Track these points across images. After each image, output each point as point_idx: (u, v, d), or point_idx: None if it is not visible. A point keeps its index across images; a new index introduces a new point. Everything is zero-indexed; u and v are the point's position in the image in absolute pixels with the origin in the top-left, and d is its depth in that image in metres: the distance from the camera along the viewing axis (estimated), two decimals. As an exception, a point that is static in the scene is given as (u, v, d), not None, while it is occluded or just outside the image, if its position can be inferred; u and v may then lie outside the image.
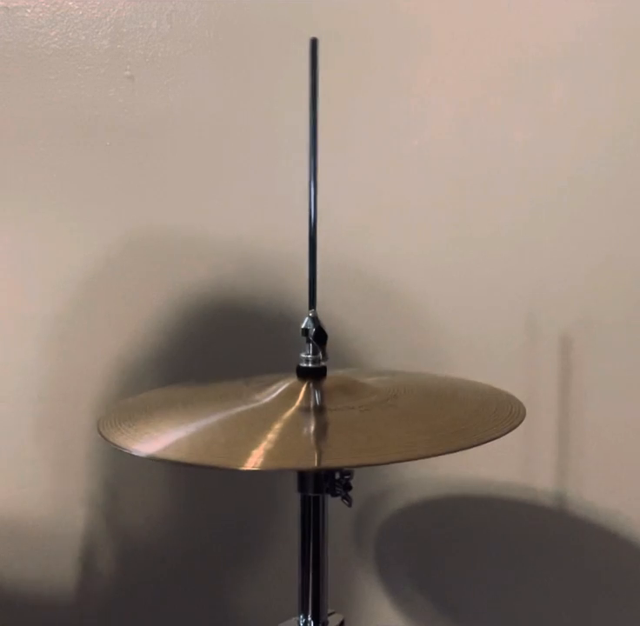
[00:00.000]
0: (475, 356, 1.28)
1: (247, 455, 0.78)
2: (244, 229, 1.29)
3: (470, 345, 1.29)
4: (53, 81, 1.27)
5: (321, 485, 0.93)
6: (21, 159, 1.29)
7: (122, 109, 1.28)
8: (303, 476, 0.93)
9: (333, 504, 0.95)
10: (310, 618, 0.97)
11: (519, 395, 0.96)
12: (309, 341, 0.91)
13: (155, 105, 1.29)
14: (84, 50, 1.27)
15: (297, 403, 0.89)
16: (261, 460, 0.77)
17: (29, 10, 1.26)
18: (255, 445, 0.79)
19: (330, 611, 0.99)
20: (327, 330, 0.92)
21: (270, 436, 0.81)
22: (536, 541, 1.35)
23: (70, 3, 1.26)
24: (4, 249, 1.29)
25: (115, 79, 1.28)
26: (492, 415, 0.89)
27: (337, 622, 0.99)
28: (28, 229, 1.29)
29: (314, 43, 0.87)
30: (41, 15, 1.26)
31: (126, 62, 1.27)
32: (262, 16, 1.27)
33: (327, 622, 0.98)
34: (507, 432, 0.85)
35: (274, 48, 1.27)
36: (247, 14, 1.27)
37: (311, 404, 0.90)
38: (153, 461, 0.81)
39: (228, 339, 1.33)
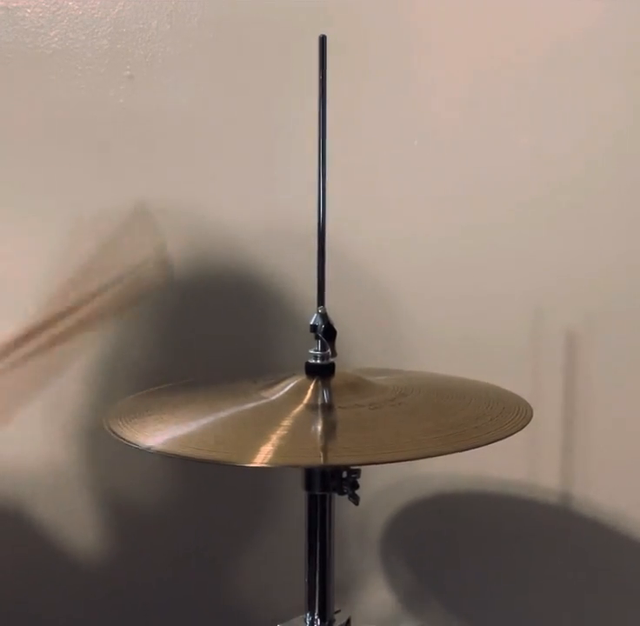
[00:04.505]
0: (480, 355, 1.28)
1: (256, 451, 0.78)
2: (249, 226, 1.29)
3: (475, 344, 1.29)
4: (53, 81, 1.27)
5: (328, 484, 0.93)
6: (21, 159, 1.28)
7: (122, 109, 1.28)
8: (309, 474, 0.93)
9: (339, 502, 0.95)
10: (316, 616, 0.97)
11: (525, 393, 0.96)
12: (317, 337, 0.92)
13: (155, 105, 1.29)
14: (84, 50, 1.27)
15: (306, 401, 0.89)
16: (269, 456, 0.77)
17: (29, 10, 1.26)
18: (263, 441, 0.79)
19: (336, 609, 0.99)
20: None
21: (279, 432, 0.82)
22: (541, 539, 1.35)
23: (70, 3, 1.26)
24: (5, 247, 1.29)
25: (115, 79, 1.27)
26: (500, 414, 0.89)
27: (344, 621, 0.99)
28: (27, 229, 1.28)
29: (322, 41, 0.88)
30: (41, 15, 1.26)
31: (126, 62, 1.27)
32: (262, 16, 1.27)
33: (333, 621, 0.98)
34: (515, 432, 0.85)
35: (274, 47, 1.27)
36: (247, 14, 1.27)
37: (320, 402, 0.90)
38: (161, 456, 0.81)
39: (233, 337, 1.33)
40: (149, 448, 0.82)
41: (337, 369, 0.94)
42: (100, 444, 1.31)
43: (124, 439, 0.84)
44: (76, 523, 1.36)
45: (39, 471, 1.34)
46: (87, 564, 1.37)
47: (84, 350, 1.31)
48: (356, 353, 1.25)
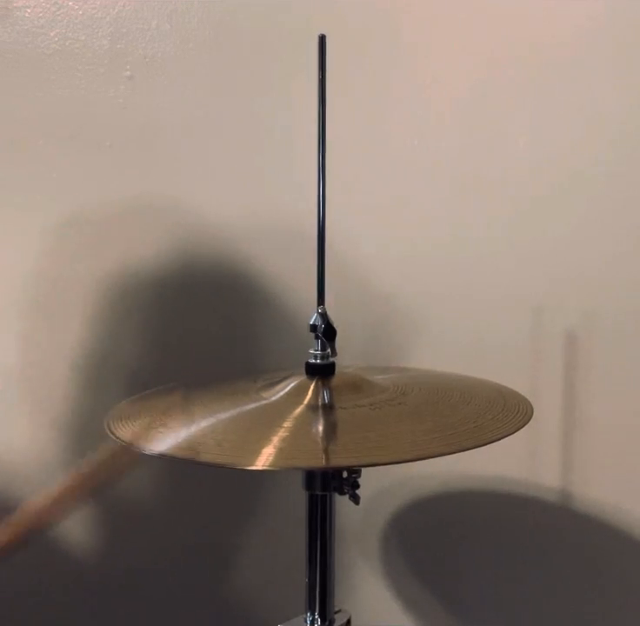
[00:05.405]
0: (480, 355, 1.28)
1: (257, 453, 0.78)
2: (249, 226, 1.29)
3: (475, 343, 1.29)
4: (53, 81, 1.27)
5: (328, 483, 0.93)
6: (21, 159, 1.28)
7: (122, 109, 1.28)
8: (310, 474, 0.93)
9: (339, 502, 0.95)
10: (316, 616, 0.97)
11: (525, 391, 0.96)
12: (317, 337, 0.91)
13: (155, 105, 1.29)
14: (84, 50, 1.27)
15: (306, 401, 0.89)
16: (271, 459, 0.77)
17: (29, 10, 1.25)
18: (265, 444, 0.79)
19: (336, 609, 0.99)
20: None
21: (280, 434, 0.82)
22: (541, 537, 1.35)
23: (70, 3, 1.26)
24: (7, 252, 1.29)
25: (115, 79, 1.27)
26: (501, 413, 0.89)
27: (344, 621, 0.99)
28: (26, 228, 1.28)
29: (322, 40, 0.88)
30: (41, 15, 1.26)
31: (126, 62, 1.27)
32: (262, 16, 1.27)
33: (334, 621, 0.98)
34: (516, 430, 0.85)
35: (274, 47, 1.28)
36: (246, 14, 1.27)
37: (320, 402, 0.90)
38: (163, 458, 0.81)
39: (233, 337, 1.33)
40: (150, 451, 0.82)
41: (337, 369, 0.94)
42: (97, 444, 1.31)
43: (125, 441, 0.84)
44: (72, 522, 1.35)
45: (32, 469, 1.34)
46: (84, 563, 1.37)
47: (79, 349, 1.31)
48: (356, 353, 1.25)
